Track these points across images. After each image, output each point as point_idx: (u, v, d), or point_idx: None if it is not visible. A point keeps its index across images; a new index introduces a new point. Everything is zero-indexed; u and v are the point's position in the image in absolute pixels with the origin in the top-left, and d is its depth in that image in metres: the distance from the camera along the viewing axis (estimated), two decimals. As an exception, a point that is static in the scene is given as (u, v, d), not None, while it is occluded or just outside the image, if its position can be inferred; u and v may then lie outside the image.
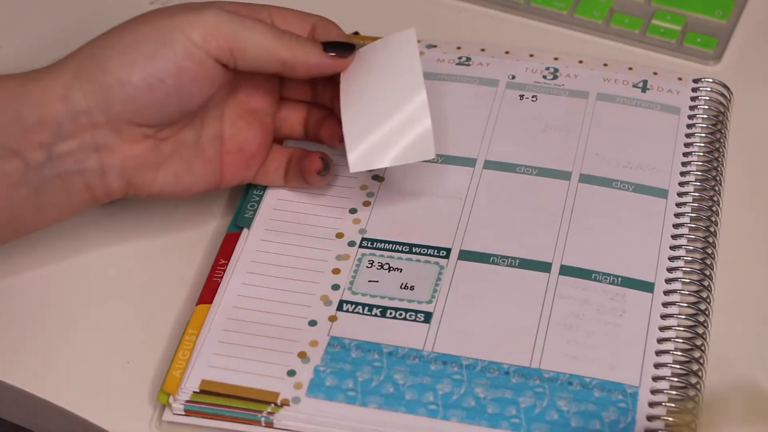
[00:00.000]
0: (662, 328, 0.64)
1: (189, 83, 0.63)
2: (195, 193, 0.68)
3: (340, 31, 0.68)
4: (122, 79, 0.62)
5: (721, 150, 0.73)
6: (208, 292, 0.66)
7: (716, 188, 0.71)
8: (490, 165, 0.72)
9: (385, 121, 0.65)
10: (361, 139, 0.65)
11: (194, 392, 0.62)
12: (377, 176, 0.71)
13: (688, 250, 0.68)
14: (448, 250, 0.68)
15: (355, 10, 0.85)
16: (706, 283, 0.66)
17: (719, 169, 0.72)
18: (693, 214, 0.69)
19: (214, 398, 0.62)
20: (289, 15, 0.68)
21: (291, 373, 0.62)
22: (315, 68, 0.66)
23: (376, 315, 0.65)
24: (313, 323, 0.64)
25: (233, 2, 0.67)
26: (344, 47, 0.67)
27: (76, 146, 0.63)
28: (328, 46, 0.66)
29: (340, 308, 0.65)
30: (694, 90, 0.76)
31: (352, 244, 0.68)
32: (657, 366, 0.62)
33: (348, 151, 0.65)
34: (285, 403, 0.61)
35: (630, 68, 0.77)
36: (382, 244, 0.68)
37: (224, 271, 0.67)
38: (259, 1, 0.69)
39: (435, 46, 0.79)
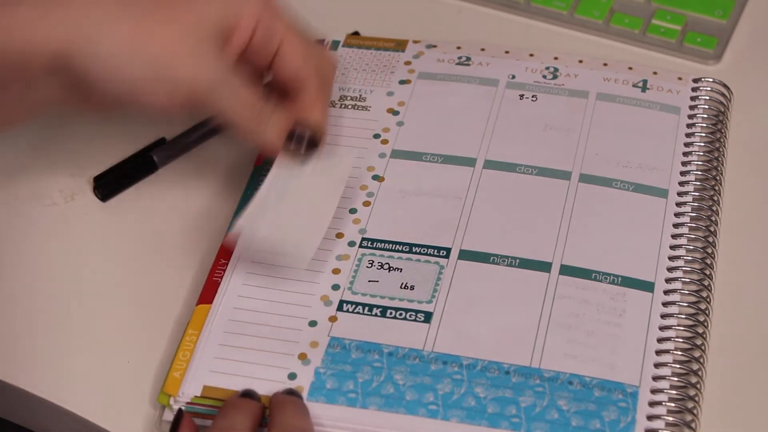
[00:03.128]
0: (662, 328, 0.64)
1: (149, 108, 0.64)
2: None
3: (326, 104, 0.68)
4: (102, 84, 0.62)
5: (721, 150, 0.73)
6: (208, 292, 0.66)
7: (716, 188, 0.71)
8: (490, 165, 0.72)
9: (287, 216, 0.66)
10: (260, 214, 0.65)
11: (195, 395, 0.62)
12: (377, 176, 0.71)
13: (688, 250, 0.68)
14: (448, 250, 0.68)
15: (355, 10, 0.85)
16: (706, 283, 0.66)
17: (719, 169, 0.72)
18: (693, 214, 0.69)
19: (215, 401, 0.62)
20: (296, 54, 0.67)
21: (292, 376, 0.62)
22: (268, 152, 0.68)
23: (376, 315, 0.65)
24: (313, 324, 0.64)
25: (268, 2, 0.66)
26: (305, 147, 0.67)
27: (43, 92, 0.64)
28: (290, 143, 0.67)
29: (340, 308, 0.65)
30: (694, 90, 0.76)
31: (352, 244, 0.68)
32: (657, 366, 0.62)
33: (245, 211, 0.65)
34: (285, 406, 0.61)
35: (630, 68, 0.77)
36: (382, 244, 0.68)
37: (224, 271, 0.67)
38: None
39: (435, 46, 0.79)
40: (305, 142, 0.67)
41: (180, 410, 0.61)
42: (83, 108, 0.66)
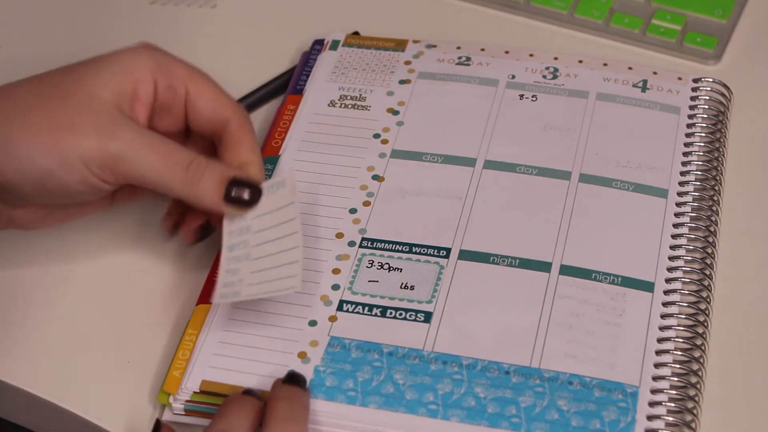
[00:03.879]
0: (662, 328, 0.64)
1: (77, 195, 0.62)
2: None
3: (252, 136, 0.65)
4: (13, 184, 0.61)
5: (721, 150, 0.73)
6: (208, 293, 0.66)
7: (716, 188, 0.71)
8: (490, 165, 0.72)
9: (259, 257, 0.63)
10: (234, 273, 0.63)
11: (194, 392, 0.62)
12: (377, 176, 0.71)
13: (688, 250, 0.68)
14: (448, 250, 0.68)
15: (355, 10, 0.85)
16: (706, 283, 0.66)
17: (719, 168, 0.72)
18: (693, 214, 0.69)
19: (214, 398, 0.62)
20: (206, 94, 0.65)
21: (291, 373, 0.62)
22: (208, 209, 0.64)
23: (376, 315, 0.65)
24: (313, 323, 0.64)
25: (158, 53, 0.65)
26: (248, 200, 0.63)
27: None
28: (231, 199, 0.63)
29: (340, 308, 0.65)
30: (694, 90, 0.76)
31: (352, 244, 0.68)
32: (657, 366, 0.62)
33: (219, 284, 0.63)
34: (285, 404, 0.61)
35: (630, 68, 0.77)
36: (382, 244, 0.68)
37: (224, 271, 0.67)
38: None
39: (435, 46, 0.79)
40: (247, 198, 0.63)
41: (158, 420, 0.61)
42: (16, 226, 0.65)
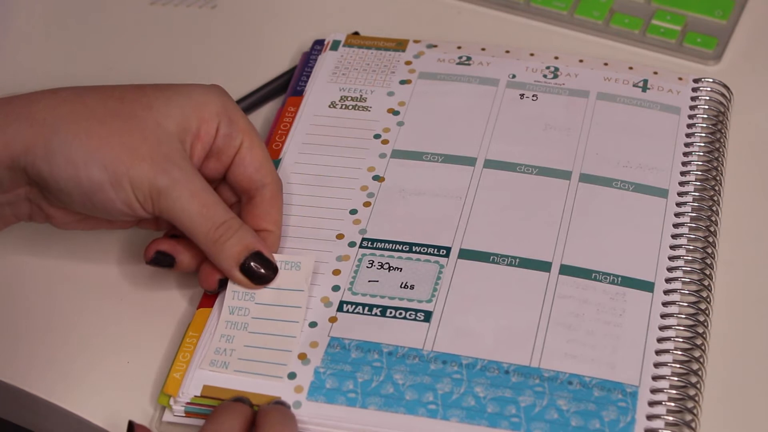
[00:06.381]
0: (662, 328, 0.64)
1: (116, 213, 0.63)
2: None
3: (280, 209, 0.67)
4: (62, 189, 0.62)
5: (721, 150, 0.73)
6: (209, 296, 0.66)
7: (716, 188, 0.71)
8: (490, 164, 0.72)
9: (255, 332, 0.64)
10: (228, 340, 0.64)
11: (195, 395, 0.62)
12: (377, 176, 0.71)
13: (688, 250, 0.68)
14: (448, 249, 0.68)
15: (355, 10, 0.85)
16: (706, 283, 0.66)
17: (719, 169, 0.72)
18: (693, 214, 0.69)
19: (215, 401, 0.62)
20: (256, 153, 0.66)
21: (291, 375, 0.62)
22: (221, 270, 0.65)
23: (376, 315, 0.65)
24: (313, 325, 0.64)
25: (227, 98, 0.66)
26: (260, 276, 0.64)
27: (12, 198, 0.64)
28: (245, 270, 0.64)
29: (340, 309, 0.65)
30: (694, 90, 0.76)
31: (352, 244, 0.68)
32: (657, 365, 0.63)
33: (211, 349, 0.63)
34: (286, 407, 0.61)
35: (630, 68, 0.77)
36: (383, 244, 0.68)
37: (225, 273, 0.67)
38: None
39: (435, 46, 0.79)
40: (260, 274, 0.64)
41: (130, 422, 0.61)
42: (51, 223, 0.66)
